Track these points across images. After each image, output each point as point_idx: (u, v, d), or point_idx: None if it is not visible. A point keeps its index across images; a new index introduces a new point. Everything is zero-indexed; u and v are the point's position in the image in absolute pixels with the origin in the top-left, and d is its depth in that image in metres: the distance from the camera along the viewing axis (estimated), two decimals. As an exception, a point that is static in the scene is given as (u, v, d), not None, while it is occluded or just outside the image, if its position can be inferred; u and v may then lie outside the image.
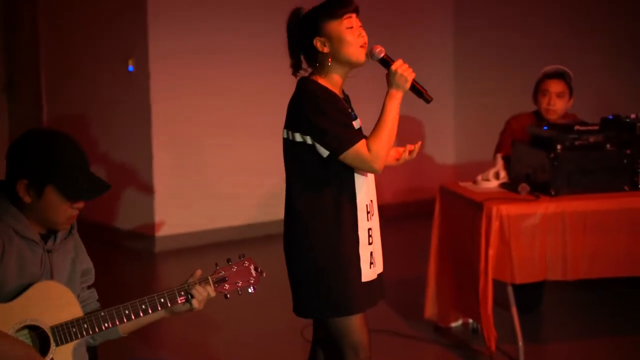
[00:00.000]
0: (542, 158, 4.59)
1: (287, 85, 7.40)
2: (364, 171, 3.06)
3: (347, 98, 3.20)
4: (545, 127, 4.74)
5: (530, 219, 4.45)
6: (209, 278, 2.76)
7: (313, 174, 3.06)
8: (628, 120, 4.75)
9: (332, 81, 3.08)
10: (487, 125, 6.37)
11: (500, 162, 4.88)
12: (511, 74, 7.48)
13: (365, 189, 3.10)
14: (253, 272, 2.78)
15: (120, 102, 7.07)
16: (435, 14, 8.08)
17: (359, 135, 3.02)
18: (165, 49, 6.77)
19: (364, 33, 3.05)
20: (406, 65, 3.01)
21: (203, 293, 2.72)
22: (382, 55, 3.07)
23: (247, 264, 2.78)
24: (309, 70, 3.14)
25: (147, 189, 6.86)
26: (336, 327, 3.13)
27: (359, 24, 3.05)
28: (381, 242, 3.24)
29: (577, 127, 4.64)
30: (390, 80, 3.02)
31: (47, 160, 2.59)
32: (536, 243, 4.46)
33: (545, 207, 4.47)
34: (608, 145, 4.63)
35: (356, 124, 3.10)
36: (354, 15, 3.03)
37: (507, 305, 4.61)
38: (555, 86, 5.06)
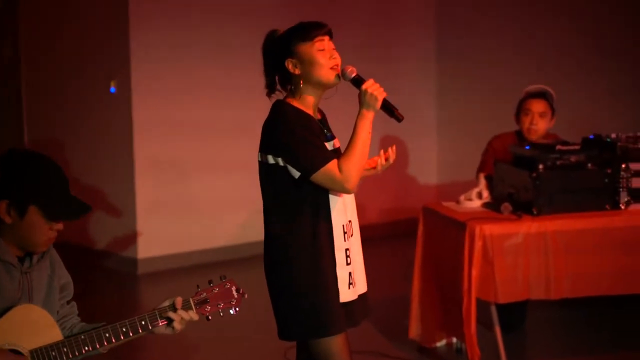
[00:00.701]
0: (525, 177, 4.60)
1: (264, 104, 7.44)
2: (336, 192, 3.05)
3: (323, 118, 3.20)
4: (527, 147, 4.76)
5: (513, 239, 4.45)
6: (191, 300, 2.74)
7: (288, 195, 3.06)
8: (609, 140, 4.77)
9: (305, 102, 3.09)
10: (470, 145, 6.40)
11: (483, 182, 4.89)
12: (494, 94, 7.51)
13: (341, 210, 3.09)
14: (235, 293, 2.77)
15: (102, 124, 7.04)
16: (418, 36, 8.11)
17: (330, 155, 3.01)
18: (147, 70, 6.76)
19: (336, 55, 3.06)
20: (377, 85, 3.02)
21: (185, 317, 2.70)
22: (353, 75, 3.07)
23: (228, 285, 2.77)
24: (284, 92, 3.15)
25: (130, 210, 6.83)
26: (317, 348, 3.11)
27: (332, 46, 3.06)
28: (364, 261, 3.22)
29: (558, 147, 4.66)
30: (361, 99, 3.02)
31: (30, 181, 2.57)
32: (519, 262, 4.45)
33: (527, 227, 4.47)
34: (589, 165, 4.65)
35: (330, 145, 3.10)
36: (326, 37, 3.05)
37: (491, 324, 4.60)
38: (538, 106, 5.08)
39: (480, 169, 5.19)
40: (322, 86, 3.08)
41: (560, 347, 5.08)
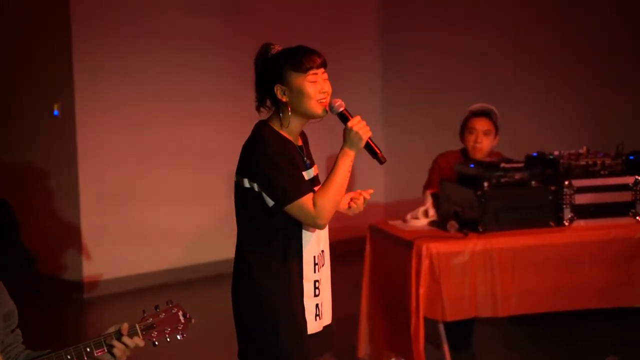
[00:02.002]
0: (470, 196, 4.62)
1: (214, 117, 7.38)
2: (307, 225, 2.97)
3: (305, 143, 3.11)
4: (472, 165, 4.78)
5: (460, 257, 4.46)
6: (137, 325, 2.68)
7: (261, 221, 2.97)
8: (551, 157, 4.83)
9: (289, 129, 3.00)
10: (416, 163, 6.41)
11: (429, 200, 4.90)
12: (439, 112, 7.55)
13: (314, 240, 3.01)
14: (181, 318, 2.71)
15: (46, 147, 6.93)
16: (364, 55, 8.14)
17: (305, 189, 2.92)
18: (90, 91, 6.68)
19: (326, 87, 2.96)
20: (363, 123, 2.91)
21: (130, 344, 2.64)
22: (341, 109, 2.96)
23: (175, 310, 2.71)
24: (270, 111, 3.05)
25: (75, 234, 6.72)
26: None
27: (325, 77, 2.97)
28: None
29: (502, 165, 4.70)
30: (345, 136, 2.93)
31: None
32: (466, 280, 4.46)
33: (473, 245, 4.49)
34: (533, 182, 4.69)
35: (308, 173, 3.01)
36: (320, 70, 2.95)
37: (439, 342, 4.60)
38: (482, 124, 5.12)
39: (426, 187, 5.20)
40: (308, 117, 3.00)
41: (507, 364, 5.10)
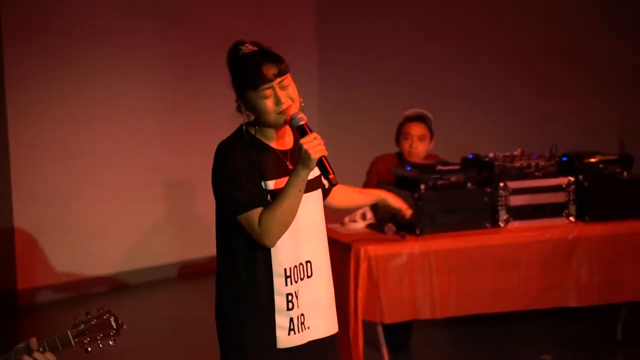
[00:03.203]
0: (407, 198, 4.58)
1: (141, 128, 7.26)
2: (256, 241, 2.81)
3: (295, 146, 2.90)
4: (409, 168, 4.77)
5: (397, 259, 4.44)
6: (68, 332, 2.61)
7: (229, 231, 2.85)
8: (487, 159, 4.84)
9: (266, 133, 2.86)
10: (353, 166, 6.38)
11: (366, 203, 4.87)
12: (374, 116, 7.55)
13: (287, 253, 2.83)
14: (113, 324, 2.66)
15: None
16: (300, 59, 8.09)
17: (252, 203, 2.77)
18: (23, 94, 6.53)
19: (285, 97, 2.78)
20: (317, 142, 2.71)
21: (41, 359, 2.53)
22: (300, 123, 2.79)
23: (106, 316, 2.66)
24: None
25: (8, 240, 6.55)
26: None
27: (286, 84, 2.79)
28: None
29: (439, 167, 4.69)
30: (299, 154, 2.76)
31: None
32: (404, 283, 4.44)
33: (411, 247, 4.47)
34: (469, 184, 4.69)
35: (273, 183, 2.82)
36: (276, 81, 2.77)
37: (378, 345, 4.58)
38: (417, 129, 5.10)
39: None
40: (271, 127, 2.85)
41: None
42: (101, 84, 6.92)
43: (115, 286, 6.92)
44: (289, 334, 2.85)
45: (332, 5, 8.11)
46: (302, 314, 2.87)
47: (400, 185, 4.74)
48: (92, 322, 2.64)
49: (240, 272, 2.84)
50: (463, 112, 7.03)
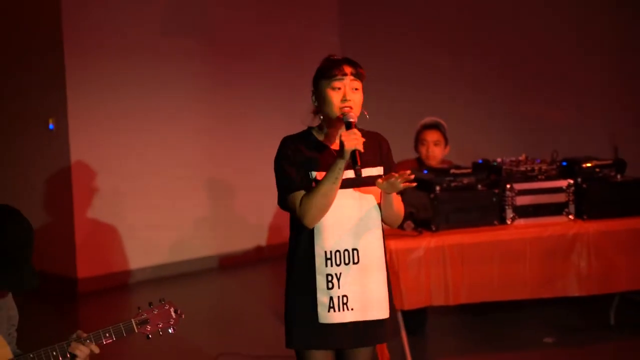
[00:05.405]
0: (424, 198, 4.62)
1: (185, 133, 7.31)
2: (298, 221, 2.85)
3: (367, 147, 2.83)
4: (425, 171, 4.79)
5: (415, 252, 4.46)
6: (132, 320, 2.66)
7: (291, 217, 2.95)
8: (495, 164, 4.85)
9: (324, 133, 2.93)
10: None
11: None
12: (395, 124, 7.53)
13: (334, 236, 2.83)
14: (173, 314, 2.70)
15: (42, 158, 6.83)
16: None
17: (297, 186, 2.84)
18: (82, 107, 6.59)
19: (351, 96, 2.82)
20: (355, 136, 2.74)
21: (85, 351, 2.56)
22: (350, 119, 2.82)
23: (167, 307, 2.70)
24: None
25: (69, 233, 6.61)
26: (297, 358, 2.99)
27: (354, 86, 2.85)
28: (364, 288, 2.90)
29: (452, 171, 4.71)
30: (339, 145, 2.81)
31: None
32: (421, 273, 4.46)
33: (427, 242, 4.49)
34: (479, 186, 4.70)
35: (321, 175, 2.84)
36: (348, 78, 2.84)
37: (397, 329, 4.59)
38: (432, 136, 5.13)
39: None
40: (332, 123, 2.88)
41: (458, 347, 5.10)
42: (151, 95, 6.96)
43: (163, 275, 6.96)
44: (328, 311, 2.85)
45: (354, 22, 8.09)
46: (344, 295, 2.86)
47: (417, 186, 4.72)
48: (154, 312, 2.67)
49: (293, 253, 2.92)
50: (474, 122, 7.02)
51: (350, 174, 2.83)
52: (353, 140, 2.75)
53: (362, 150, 2.76)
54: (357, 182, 2.87)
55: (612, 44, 6.15)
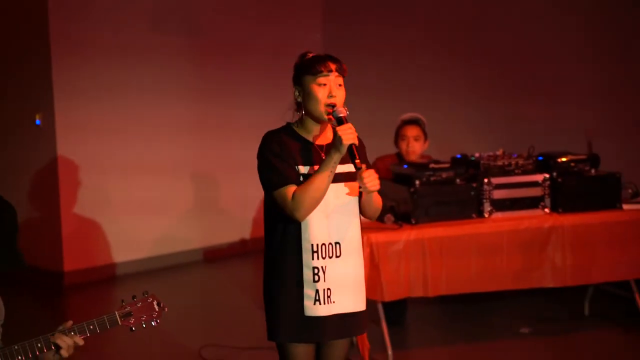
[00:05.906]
0: (404, 192, 4.62)
1: (170, 128, 7.29)
2: (288, 215, 2.82)
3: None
4: (405, 166, 4.79)
5: (396, 245, 4.46)
6: (116, 313, 2.63)
7: (270, 211, 2.91)
8: (473, 158, 4.85)
9: (305, 128, 2.90)
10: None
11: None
12: (376, 119, 7.54)
13: (320, 230, 2.83)
14: (156, 307, 2.69)
15: (29, 152, 6.77)
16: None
17: (286, 180, 2.81)
18: (69, 103, 6.53)
19: (336, 92, 2.81)
20: (350, 130, 2.74)
21: (69, 342, 2.54)
22: (340, 114, 2.80)
23: (150, 300, 2.68)
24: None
25: (55, 227, 6.57)
26: (278, 350, 2.97)
27: (339, 82, 2.84)
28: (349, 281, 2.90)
29: (432, 165, 4.71)
30: (333, 139, 2.81)
31: None
32: (401, 266, 4.47)
33: (407, 234, 4.49)
34: (458, 180, 4.71)
35: (307, 169, 2.84)
36: (333, 74, 2.83)
37: (378, 320, 4.60)
38: (412, 131, 5.13)
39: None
40: (316, 119, 2.87)
41: (437, 337, 5.11)
42: (136, 92, 6.92)
43: (148, 268, 6.93)
44: (314, 304, 2.84)
45: (337, 21, 8.10)
46: (328, 288, 2.85)
47: (398, 181, 4.76)
48: (138, 305, 2.65)
49: (276, 247, 2.88)
50: (452, 117, 7.03)
51: (339, 168, 2.83)
52: (350, 135, 2.75)
53: (357, 144, 2.77)
54: (338, 177, 2.86)
55: (586, 40, 6.18)
